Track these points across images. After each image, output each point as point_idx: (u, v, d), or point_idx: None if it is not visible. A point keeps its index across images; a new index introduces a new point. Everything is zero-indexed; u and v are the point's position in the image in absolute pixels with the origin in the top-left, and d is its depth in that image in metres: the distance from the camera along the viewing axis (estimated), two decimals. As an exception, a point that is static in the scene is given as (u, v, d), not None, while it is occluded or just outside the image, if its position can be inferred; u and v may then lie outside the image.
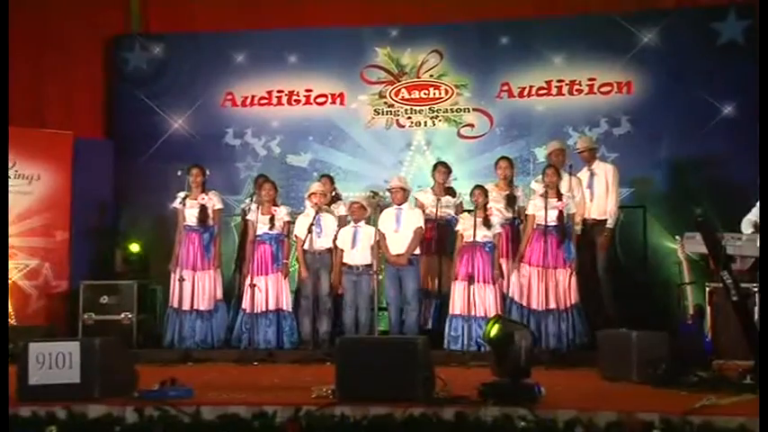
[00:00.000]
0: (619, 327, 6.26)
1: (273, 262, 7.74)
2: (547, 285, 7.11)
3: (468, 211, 7.91)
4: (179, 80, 9.58)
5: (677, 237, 7.24)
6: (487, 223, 7.38)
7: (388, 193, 8.06)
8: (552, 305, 7.15)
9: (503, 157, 7.99)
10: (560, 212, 7.25)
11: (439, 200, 7.79)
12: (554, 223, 7.23)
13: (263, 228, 7.75)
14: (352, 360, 4.67)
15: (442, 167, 8.03)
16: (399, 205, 7.74)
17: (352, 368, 4.63)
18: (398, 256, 7.59)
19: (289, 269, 7.92)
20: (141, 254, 8.84)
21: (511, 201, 7.72)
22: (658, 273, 8.29)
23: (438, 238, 7.75)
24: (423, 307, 7.71)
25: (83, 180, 8.82)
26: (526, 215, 7.49)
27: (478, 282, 7.29)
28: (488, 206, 7.50)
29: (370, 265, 7.60)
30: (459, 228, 7.51)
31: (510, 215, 7.69)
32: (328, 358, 6.65)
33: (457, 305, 7.33)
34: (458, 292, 7.34)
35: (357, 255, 7.64)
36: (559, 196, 7.33)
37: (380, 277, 7.78)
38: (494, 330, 4.70)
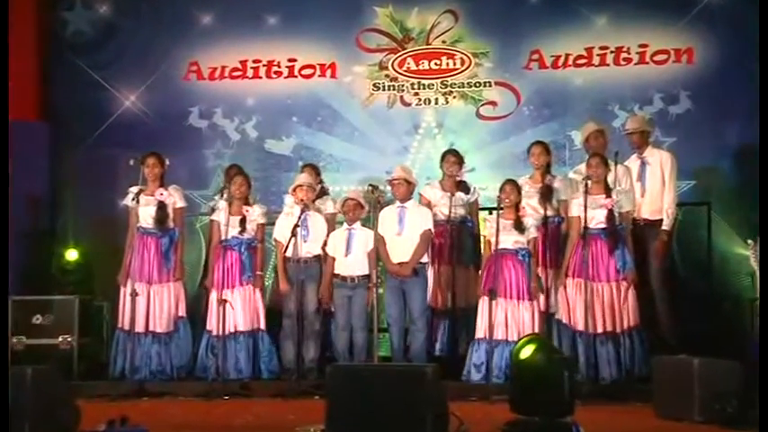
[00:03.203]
0: (677, 352, 6.24)
1: (243, 273, 7.72)
2: (597, 302, 7.11)
3: (487, 210, 7.89)
4: (131, 47, 9.58)
5: (749, 241, 7.21)
6: (520, 226, 7.36)
7: (389, 187, 8.03)
8: (608, 327, 7.13)
9: (537, 143, 7.95)
10: (610, 212, 7.23)
11: (452, 196, 7.76)
12: (602, 225, 7.21)
13: (231, 231, 7.72)
14: (345, 393, 4.66)
15: (451, 157, 7.98)
16: (403, 202, 7.72)
17: (346, 403, 4.61)
18: (402, 264, 7.56)
19: (264, 282, 7.90)
20: (83, 262, 8.83)
21: (546, 194, 7.67)
22: (726, 285, 8.28)
23: (451, 244, 7.73)
24: (432, 328, 7.69)
25: (11, 171, 8.77)
26: (568, 216, 7.46)
27: (511, 298, 7.27)
28: (521, 205, 7.48)
29: (367, 276, 7.59)
30: (485, 232, 7.50)
31: (549, 212, 7.62)
32: (316, 391, 6.66)
33: (483, 327, 7.30)
34: (484, 310, 7.32)
35: (352, 263, 7.62)
36: (608, 192, 7.31)
37: (380, 291, 7.76)
38: (526, 351, 4.67)
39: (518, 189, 7.48)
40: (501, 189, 7.49)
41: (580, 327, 7.18)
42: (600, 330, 7.16)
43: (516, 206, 7.44)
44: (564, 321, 7.32)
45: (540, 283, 7.38)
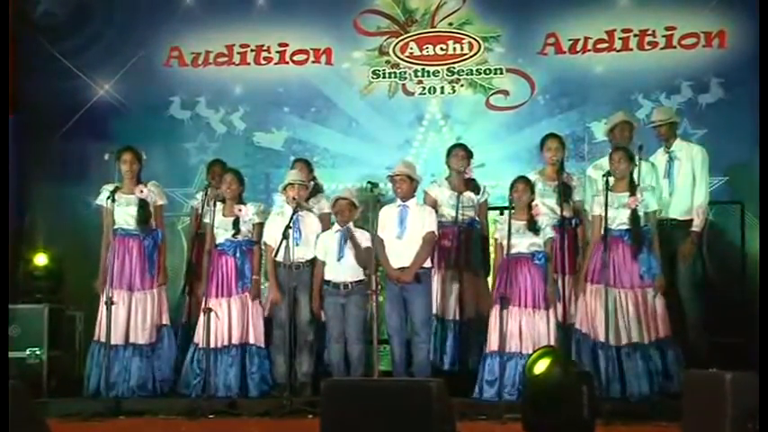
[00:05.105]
0: (708, 365, 6.23)
1: (239, 279, 7.73)
2: (620, 311, 7.11)
3: (497, 209, 7.90)
4: (107, 31, 9.60)
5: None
6: (534, 227, 7.36)
7: (389, 185, 8.03)
8: (630, 338, 7.14)
9: (551, 135, 7.96)
10: (633, 211, 7.24)
11: (460, 195, 7.76)
12: (625, 226, 7.22)
13: (224, 234, 7.73)
14: (341, 411, 4.66)
15: (459, 151, 7.99)
16: (404, 201, 7.70)
17: (343, 422, 4.61)
18: (402, 270, 7.56)
19: (260, 288, 7.90)
20: (54, 267, 8.83)
21: (564, 193, 7.67)
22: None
23: (458, 247, 7.74)
24: (437, 339, 7.70)
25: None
26: (585, 213, 7.46)
27: (525, 306, 7.28)
28: (534, 204, 7.48)
29: (361, 282, 7.60)
30: (497, 235, 7.52)
31: (566, 214, 7.65)
32: (309, 409, 6.66)
33: (495, 338, 7.29)
34: (497, 320, 7.29)
35: (344, 268, 7.63)
36: (632, 189, 7.32)
37: (380, 299, 7.77)
38: (541, 365, 4.68)
39: (531, 187, 7.48)
40: (512, 187, 7.47)
41: (602, 338, 7.18)
42: (624, 342, 7.16)
43: (529, 205, 7.44)
44: (584, 332, 7.32)
45: (556, 290, 7.38)
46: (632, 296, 7.23)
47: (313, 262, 7.74)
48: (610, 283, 7.15)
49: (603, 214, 7.21)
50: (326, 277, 7.66)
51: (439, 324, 7.75)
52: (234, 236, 7.75)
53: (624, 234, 7.25)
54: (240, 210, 7.80)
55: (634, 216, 7.25)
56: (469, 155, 8.00)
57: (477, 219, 7.88)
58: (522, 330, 7.27)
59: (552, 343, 7.15)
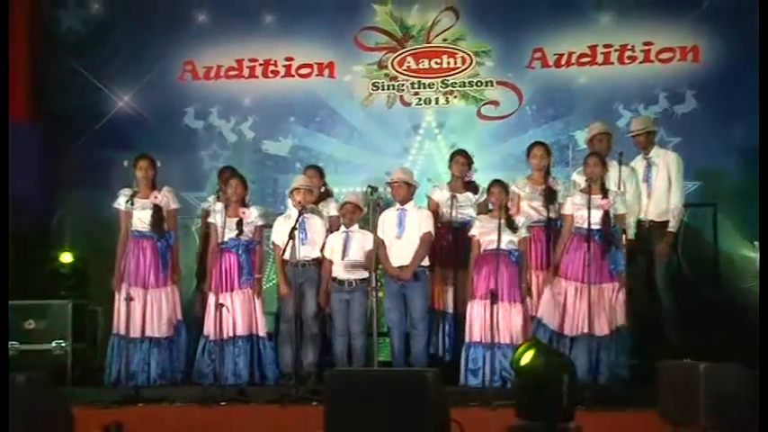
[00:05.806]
0: (683, 356, 6.28)
1: (241, 275, 7.78)
2: (588, 305, 7.14)
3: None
4: (125, 46, 9.65)
5: (756, 243, 7.26)
6: (511, 225, 7.42)
7: (389, 189, 8.08)
8: (595, 329, 7.17)
9: (537, 143, 8.02)
10: (605, 213, 7.29)
11: (454, 197, 7.82)
12: (597, 226, 7.27)
13: (228, 233, 7.77)
14: (344, 399, 4.69)
15: (460, 157, 8.06)
16: (403, 204, 7.77)
17: (345, 409, 4.65)
18: (402, 268, 7.62)
19: (262, 285, 7.95)
20: (77, 266, 8.88)
21: (550, 197, 7.74)
22: (732, 288, 8.31)
23: (454, 245, 7.79)
24: (433, 332, 7.76)
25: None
26: (563, 215, 7.53)
27: (502, 300, 7.32)
28: (510, 205, 7.54)
29: (365, 280, 7.65)
30: (474, 232, 7.55)
31: (551, 215, 7.71)
32: (315, 397, 6.69)
33: (475, 330, 7.36)
34: (476, 313, 7.38)
35: (348, 267, 7.68)
36: (604, 192, 7.37)
37: (380, 295, 7.82)
38: (527, 357, 4.73)
39: (506, 189, 7.53)
40: (487, 191, 7.57)
41: (565, 329, 7.26)
42: (585, 332, 7.16)
43: (506, 206, 7.49)
44: (544, 322, 7.36)
45: (528, 288, 7.46)
46: (597, 291, 7.22)
47: (318, 260, 7.79)
48: (579, 277, 7.22)
49: (576, 214, 7.30)
50: (333, 275, 7.72)
51: (438, 318, 7.80)
52: (237, 236, 7.79)
53: (595, 234, 7.29)
54: (243, 212, 7.84)
55: (605, 217, 7.29)
56: (470, 160, 8.07)
57: (476, 218, 7.88)
58: (498, 322, 7.27)
59: (524, 334, 7.23)
